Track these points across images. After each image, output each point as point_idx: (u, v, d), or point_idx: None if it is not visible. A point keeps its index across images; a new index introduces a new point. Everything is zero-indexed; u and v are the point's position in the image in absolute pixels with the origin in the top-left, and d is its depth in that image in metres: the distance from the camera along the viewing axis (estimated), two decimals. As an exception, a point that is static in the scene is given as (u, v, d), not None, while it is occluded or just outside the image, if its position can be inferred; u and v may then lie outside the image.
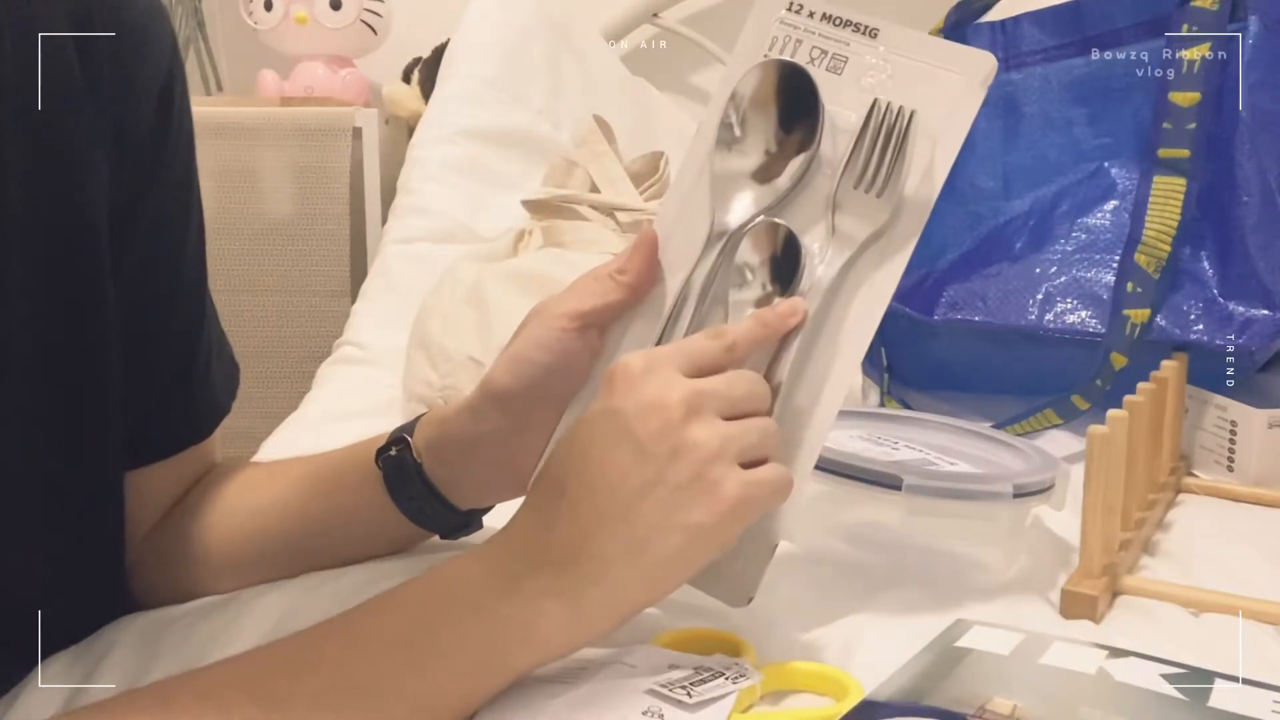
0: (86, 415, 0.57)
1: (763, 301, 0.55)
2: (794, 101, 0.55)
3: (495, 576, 0.48)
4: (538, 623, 0.47)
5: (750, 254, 0.55)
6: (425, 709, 0.46)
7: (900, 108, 0.54)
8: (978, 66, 0.54)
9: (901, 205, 0.54)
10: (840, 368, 0.55)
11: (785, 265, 0.55)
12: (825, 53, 0.56)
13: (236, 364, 0.70)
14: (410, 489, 0.60)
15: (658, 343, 0.56)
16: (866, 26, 0.55)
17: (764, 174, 0.56)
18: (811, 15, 0.56)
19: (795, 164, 0.55)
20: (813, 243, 0.55)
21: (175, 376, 0.63)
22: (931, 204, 0.54)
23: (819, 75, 0.55)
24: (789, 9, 0.56)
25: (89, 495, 0.58)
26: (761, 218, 0.55)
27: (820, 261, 0.55)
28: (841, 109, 0.55)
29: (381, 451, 0.61)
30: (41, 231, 0.53)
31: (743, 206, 0.56)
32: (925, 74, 0.54)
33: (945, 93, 0.54)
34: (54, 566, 0.57)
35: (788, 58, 0.56)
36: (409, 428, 0.62)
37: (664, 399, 0.48)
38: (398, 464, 0.61)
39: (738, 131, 0.56)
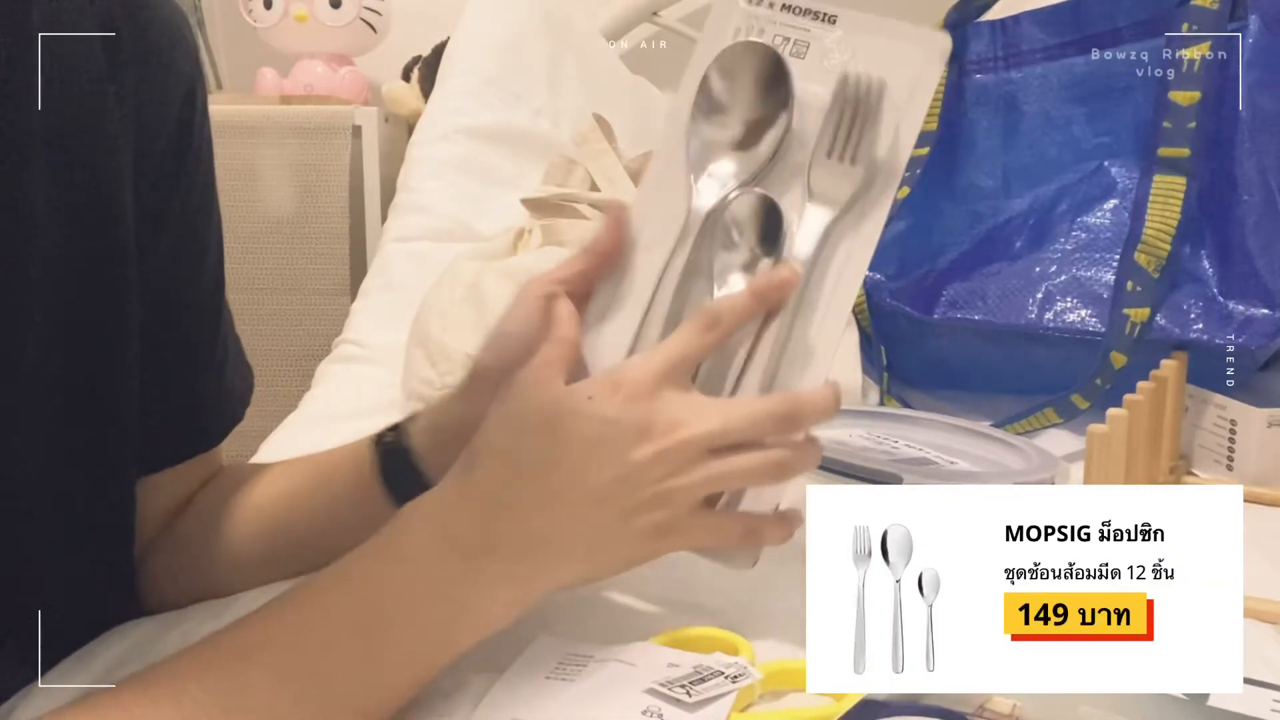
0: (105, 422, 0.57)
1: (749, 265, 0.56)
2: (766, 76, 0.57)
3: (452, 559, 0.48)
4: (489, 607, 0.49)
5: (734, 222, 0.56)
6: (376, 690, 0.47)
7: (871, 77, 0.55)
8: (935, 41, 0.56)
9: (874, 171, 0.55)
10: (825, 335, 0.55)
11: (769, 231, 0.56)
12: (788, 40, 0.57)
13: (251, 372, 0.70)
14: (402, 475, 0.60)
15: (643, 317, 0.56)
16: (825, 14, 0.57)
17: (742, 146, 0.57)
18: (771, 6, 0.58)
19: (771, 134, 0.56)
20: (790, 210, 0.56)
21: (188, 385, 0.63)
22: (900, 172, 0.56)
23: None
24: (748, 1, 0.58)
25: (104, 502, 0.58)
26: (742, 190, 0.57)
27: (799, 229, 0.56)
28: (809, 86, 0.57)
29: (378, 439, 0.62)
30: (66, 237, 0.53)
31: (723, 179, 0.57)
32: (885, 50, 0.56)
33: (906, 66, 0.56)
34: (67, 571, 0.57)
35: None
36: (411, 418, 0.62)
37: (661, 428, 0.49)
38: (391, 450, 0.61)
39: (714, 106, 0.57)
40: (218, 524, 0.64)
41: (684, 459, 0.49)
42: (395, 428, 0.62)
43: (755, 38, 0.58)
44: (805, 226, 0.56)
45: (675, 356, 0.51)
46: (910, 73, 0.56)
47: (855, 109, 0.55)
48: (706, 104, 0.57)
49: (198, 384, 0.64)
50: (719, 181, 0.57)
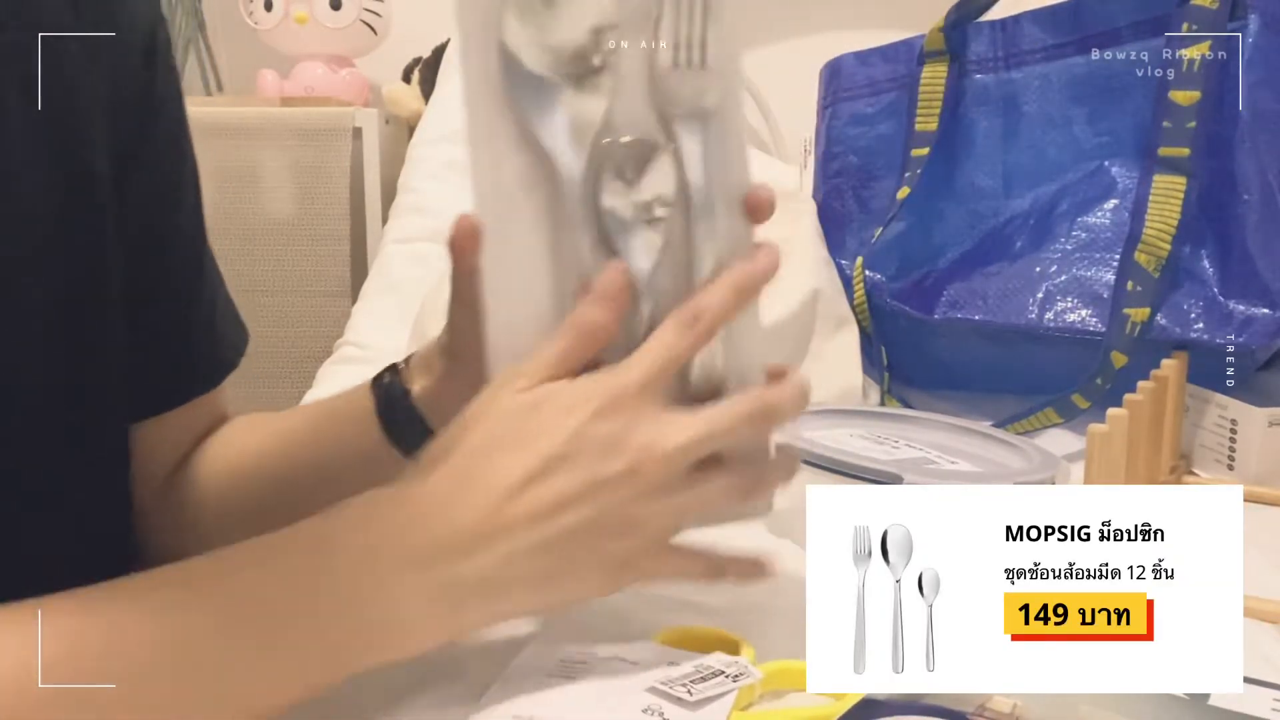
0: (92, 370, 0.57)
1: (650, 219, 0.50)
2: None
3: (375, 566, 0.45)
4: (405, 629, 0.45)
5: (618, 175, 0.50)
6: (261, 683, 0.44)
7: None
8: None
9: (722, 67, 0.51)
10: (735, 246, 0.51)
11: (660, 177, 0.50)
12: None
13: (245, 328, 0.69)
14: (401, 416, 0.59)
15: (552, 299, 0.50)
16: None
17: (576, 84, 0.50)
18: None
19: (598, 58, 0.49)
20: (658, 137, 0.50)
21: (176, 328, 0.63)
22: (740, 53, 0.51)
23: None
24: None
25: (95, 452, 0.58)
26: (609, 139, 0.50)
27: (685, 160, 0.50)
28: None
29: (377, 379, 0.61)
30: (48, 185, 0.54)
31: (577, 129, 0.50)
32: None
33: None
34: (65, 522, 0.56)
35: None
36: (408, 360, 0.61)
37: (635, 445, 0.46)
38: (388, 390, 0.60)
39: (528, 51, 0.49)
40: (211, 468, 0.64)
41: (658, 478, 0.46)
42: (394, 368, 0.61)
43: None
44: (687, 154, 0.50)
45: (655, 367, 0.47)
46: None
47: (690, 9, 0.49)
48: (515, 50, 0.49)
49: (186, 328, 0.64)
50: (573, 135, 0.49)
